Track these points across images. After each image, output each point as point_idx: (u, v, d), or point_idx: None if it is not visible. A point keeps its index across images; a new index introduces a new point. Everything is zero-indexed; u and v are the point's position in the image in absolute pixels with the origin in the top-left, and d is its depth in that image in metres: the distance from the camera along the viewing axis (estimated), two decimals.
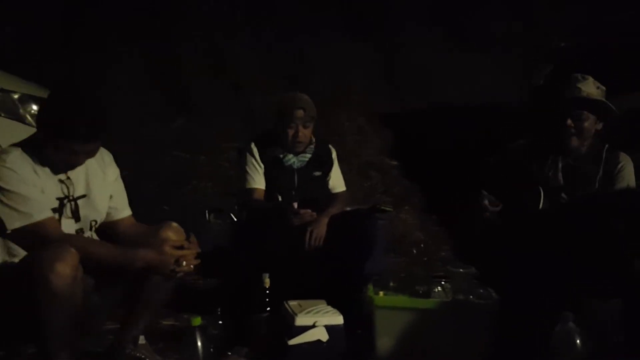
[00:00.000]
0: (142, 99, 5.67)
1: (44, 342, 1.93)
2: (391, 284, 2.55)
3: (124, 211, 2.32)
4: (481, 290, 2.43)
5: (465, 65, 6.25)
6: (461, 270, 2.60)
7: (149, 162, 4.91)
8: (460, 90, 5.90)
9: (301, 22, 6.66)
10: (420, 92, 6.04)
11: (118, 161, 2.34)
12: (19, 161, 2.00)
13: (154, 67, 6.16)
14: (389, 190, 5.02)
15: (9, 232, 1.96)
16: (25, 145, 2.05)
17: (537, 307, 2.18)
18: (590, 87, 2.44)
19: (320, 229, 2.79)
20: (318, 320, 2.32)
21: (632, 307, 2.17)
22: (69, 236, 2.05)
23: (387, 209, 2.97)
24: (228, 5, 6.89)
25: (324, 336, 2.31)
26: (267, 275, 2.49)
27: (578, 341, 2.23)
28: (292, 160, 2.96)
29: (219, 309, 2.59)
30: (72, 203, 2.13)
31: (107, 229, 2.26)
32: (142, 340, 2.24)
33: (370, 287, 2.52)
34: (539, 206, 2.45)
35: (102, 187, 2.23)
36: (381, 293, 2.46)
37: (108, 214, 2.27)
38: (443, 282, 2.43)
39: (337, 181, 3.10)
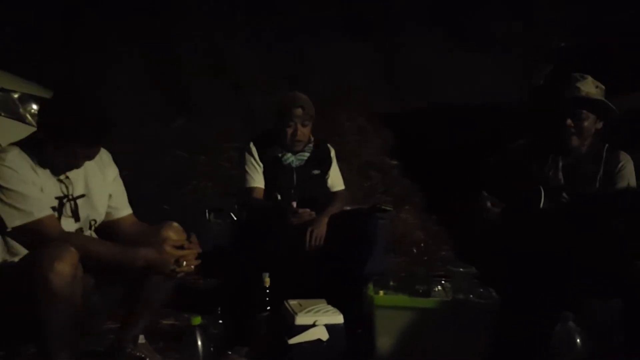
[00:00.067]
0: (142, 99, 5.67)
1: (44, 341, 1.93)
2: (391, 283, 2.55)
3: (125, 210, 2.32)
4: (481, 290, 2.44)
5: (465, 65, 6.25)
6: (461, 269, 2.61)
7: (149, 162, 4.91)
8: (460, 90, 5.90)
9: (301, 22, 6.66)
10: (420, 92, 6.04)
11: (118, 161, 2.34)
12: (18, 160, 1.99)
13: (154, 67, 6.17)
14: (389, 190, 5.02)
15: (9, 230, 1.96)
16: (24, 145, 2.05)
17: (537, 306, 2.18)
18: (589, 87, 2.44)
19: (321, 229, 2.79)
20: (318, 320, 2.32)
21: (632, 307, 2.17)
22: (68, 234, 2.05)
23: (388, 208, 2.97)
24: (228, 5, 6.89)
25: (324, 335, 2.31)
26: (267, 274, 2.49)
27: (578, 340, 2.23)
28: (290, 159, 2.97)
29: (219, 309, 2.58)
30: (72, 203, 2.13)
31: (108, 228, 2.26)
32: (141, 339, 2.24)
33: (371, 286, 2.52)
34: (539, 206, 2.44)
35: (101, 186, 2.23)
36: (381, 292, 2.46)
37: (108, 213, 2.27)
38: (443, 282, 2.44)
39: (335, 180, 3.10)
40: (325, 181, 3.07)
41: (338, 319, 2.36)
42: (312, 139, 3.04)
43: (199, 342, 2.26)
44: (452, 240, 3.87)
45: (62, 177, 2.11)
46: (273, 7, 6.83)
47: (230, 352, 2.41)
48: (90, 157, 2.11)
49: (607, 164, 2.47)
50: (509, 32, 6.69)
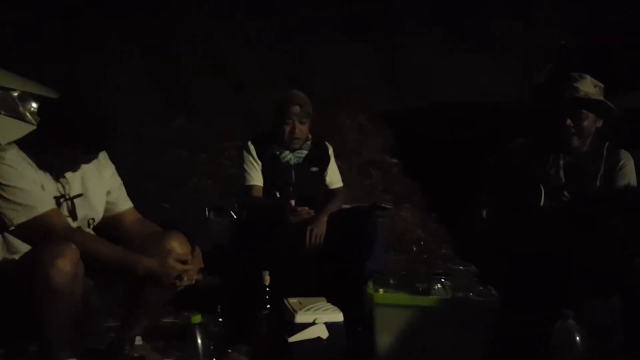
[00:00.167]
0: (142, 99, 5.66)
1: (44, 339, 1.93)
2: (391, 281, 2.55)
3: (124, 203, 2.32)
4: (481, 288, 2.44)
5: (465, 65, 6.24)
6: (461, 267, 2.60)
7: (149, 161, 4.91)
8: (460, 90, 5.90)
9: (301, 22, 6.66)
10: (420, 92, 6.03)
11: (118, 161, 2.34)
12: (17, 158, 1.99)
13: (154, 67, 6.16)
14: (389, 188, 5.02)
15: (13, 227, 1.95)
16: (22, 144, 2.05)
17: (537, 305, 2.18)
18: (588, 86, 2.45)
19: (320, 227, 2.80)
20: (318, 318, 2.32)
21: (632, 307, 2.18)
22: (74, 230, 2.05)
23: (387, 206, 2.98)
24: (228, 5, 6.88)
25: (324, 333, 2.31)
26: (267, 272, 2.49)
27: (578, 339, 2.22)
28: (288, 156, 2.99)
29: (219, 307, 2.58)
30: (69, 202, 2.12)
31: (111, 225, 2.26)
32: (138, 340, 2.24)
33: (371, 284, 2.52)
34: (539, 205, 2.44)
35: (98, 185, 2.23)
36: (381, 290, 2.46)
37: (108, 209, 2.27)
38: (443, 280, 2.43)
39: (334, 177, 3.11)
40: (323, 178, 3.08)
41: (338, 317, 2.36)
42: (310, 136, 3.06)
43: (199, 341, 2.25)
44: (452, 238, 3.86)
45: (59, 176, 2.11)
46: (273, 7, 6.83)
47: (230, 351, 2.41)
48: (89, 161, 2.12)
49: (607, 163, 2.47)
50: (509, 32, 6.69)
